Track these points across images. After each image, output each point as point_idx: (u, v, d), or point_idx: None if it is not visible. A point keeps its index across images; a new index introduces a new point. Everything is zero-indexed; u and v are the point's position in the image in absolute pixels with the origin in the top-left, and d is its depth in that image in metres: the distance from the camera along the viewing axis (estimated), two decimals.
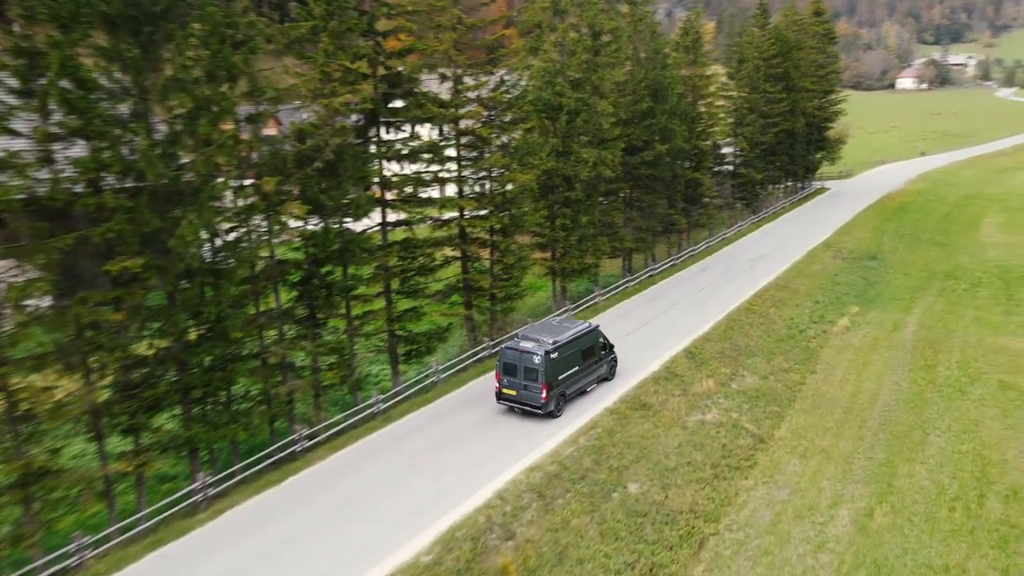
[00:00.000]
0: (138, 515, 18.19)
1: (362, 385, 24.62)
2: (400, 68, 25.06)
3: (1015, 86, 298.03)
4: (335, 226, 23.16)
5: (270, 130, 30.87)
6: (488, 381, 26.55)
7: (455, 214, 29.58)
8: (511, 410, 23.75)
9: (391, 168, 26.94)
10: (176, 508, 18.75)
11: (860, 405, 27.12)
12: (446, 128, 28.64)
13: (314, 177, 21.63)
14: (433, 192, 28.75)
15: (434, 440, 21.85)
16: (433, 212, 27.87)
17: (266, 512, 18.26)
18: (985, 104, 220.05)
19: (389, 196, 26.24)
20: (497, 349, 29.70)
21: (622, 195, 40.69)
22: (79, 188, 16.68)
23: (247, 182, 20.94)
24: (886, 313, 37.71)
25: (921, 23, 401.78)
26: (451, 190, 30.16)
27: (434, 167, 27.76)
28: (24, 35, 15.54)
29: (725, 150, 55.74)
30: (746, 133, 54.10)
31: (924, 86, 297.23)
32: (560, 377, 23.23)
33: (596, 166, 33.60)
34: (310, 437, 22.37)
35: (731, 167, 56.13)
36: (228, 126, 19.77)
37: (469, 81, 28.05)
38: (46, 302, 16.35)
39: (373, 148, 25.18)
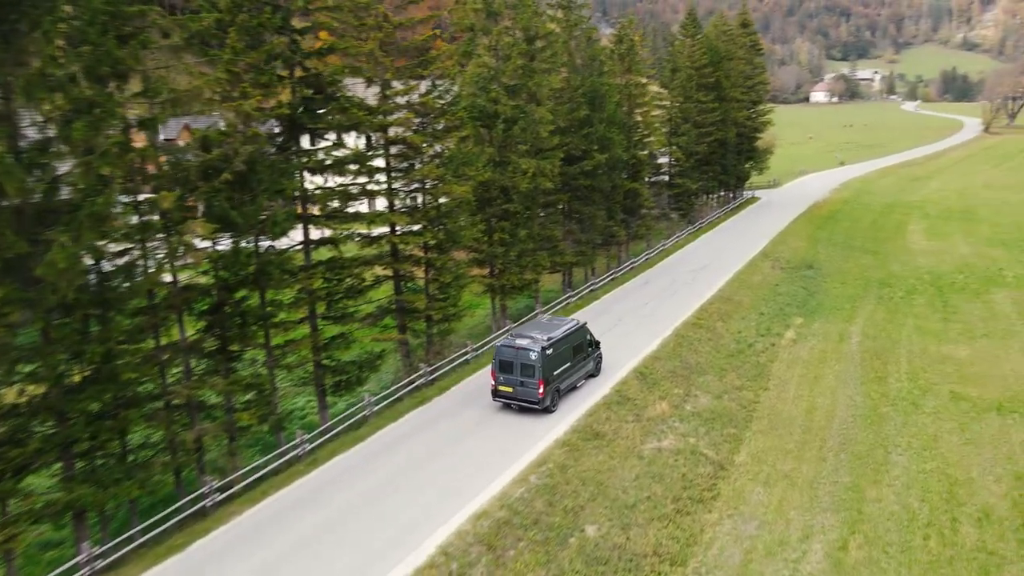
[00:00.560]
0: None
1: (284, 424, 21.82)
2: (321, 70, 22.56)
3: (917, 100, 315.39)
4: (249, 246, 20.49)
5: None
6: (426, 413, 24.23)
7: (386, 230, 27.19)
8: (508, 406, 24.09)
9: (314, 180, 24.37)
10: None
11: (817, 423, 25.98)
12: (374, 136, 26.29)
13: (222, 191, 18.90)
14: (361, 206, 26.33)
15: (368, 486, 19.32)
16: (362, 228, 25.41)
17: None
18: (892, 117, 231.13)
19: (313, 211, 23.64)
20: (435, 376, 27.47)
21: (561, 207, 39.02)
22: None
23: (144, 197, 18.10)
24: (830, 323, 37.17)
25: (829, 40, 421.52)
26: (381, 204, 27.77)
27: (362, 179, 25.34)
28: None
29: (661, 160, 55.01)
30: (681, 143, 53.53)
31: (835, 100, 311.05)
32: (555, 372, 23.78)
33: (535, 177, 31.76)
34: (223, 489, 19.48)
35: (667, 177, 55.44)
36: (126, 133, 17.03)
37: (398, 85, 25.76)
38: None
39: (293, 158, 22.51)
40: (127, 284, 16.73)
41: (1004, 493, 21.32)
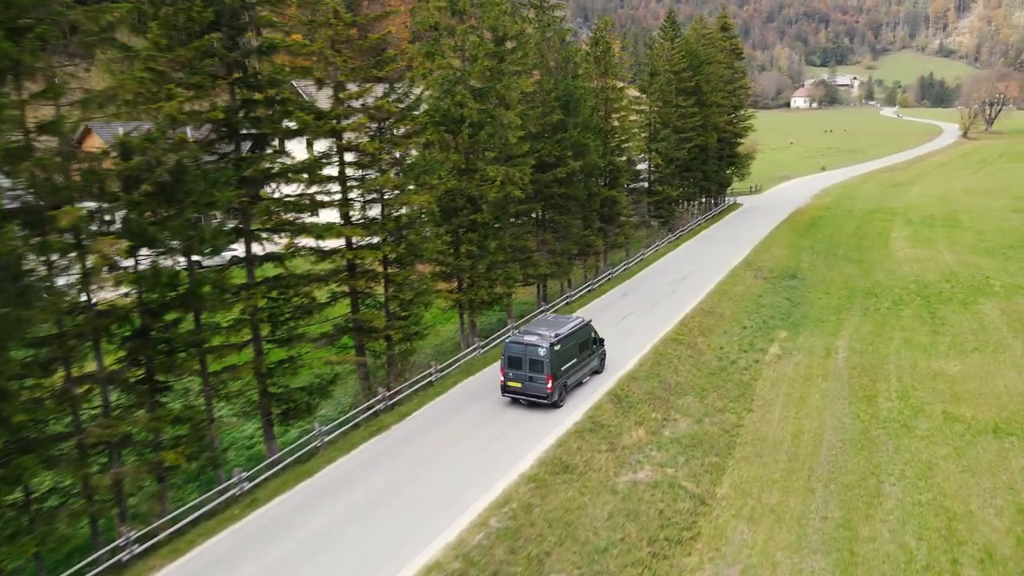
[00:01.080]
0: None
1: (219, 462, 19.67)
2: (264, 70, 20.53)
3: (896, 105, 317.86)
4: (178, 264, 18.41)
5: None
6: (382, 442, 22.21)
7: (342, 243, 25.17)
8: (516, 402, 24.63)
9: (262, 191, 22.30)
10: None
11: (804, 449, 24.24)
12: (327, 143, 24.26)
13: (144, 203, 16.81)
14: (314, 218, 24.30)
15: (307, 535, 17.26)
16: (312, 241, 23.36)
17: None
18: (872, 122, 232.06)
19: (256, 225, 21.56)
20: (395, 400, 25.49)
21: (534, 216, 37.15)
22: None
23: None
24: (815, 337, 35.56)
25: (809, 46, 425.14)
26: (337, 216, 25.74)
27: (314, 188, 23.31)
28: None
29: (640, 167, 53.35)
30: (660, 148, 51.90)
31: (815, 105, 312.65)
32: (563, 368, 24.40)
33: (504, 185, 29.87)
34: (146, 537, 17.32)
35: (646, 184, 53.79)
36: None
37: (352, 87, 23.77)
38: None
39: (229, 167, 20.41)
40: (22, 310, 14.56)
41: (1007, 529, 19.66)
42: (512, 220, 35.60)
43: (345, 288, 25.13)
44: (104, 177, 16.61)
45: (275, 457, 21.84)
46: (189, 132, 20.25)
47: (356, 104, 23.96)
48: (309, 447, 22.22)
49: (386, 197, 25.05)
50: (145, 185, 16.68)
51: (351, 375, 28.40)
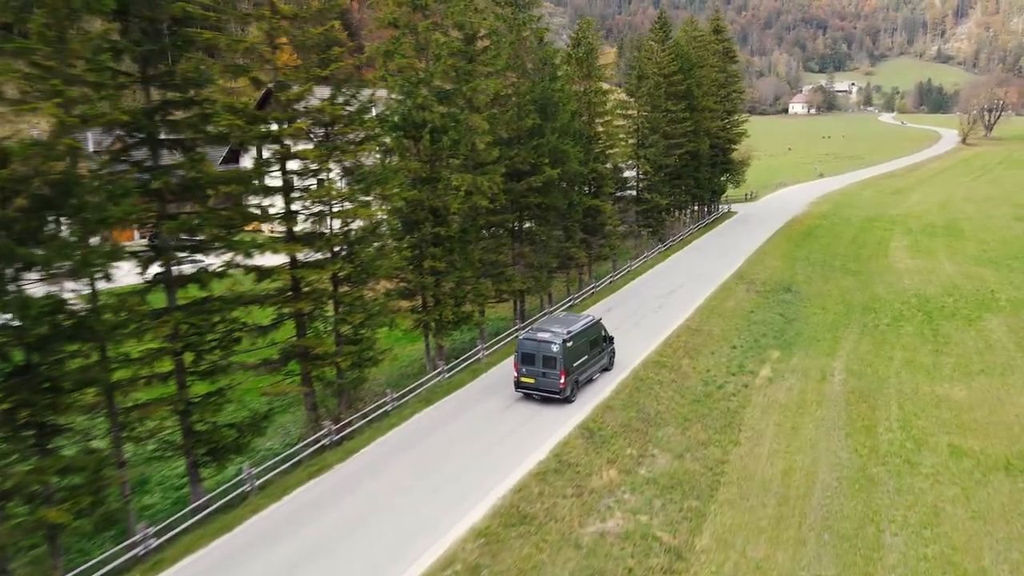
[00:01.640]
0: None
1: (115, 517, 17.16)
2: (182, 68, 18.12)
3: (894, 111, 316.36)
4: (73, 290, 15.97)
5: None
6: (321, 485, 19.73)
7: (284, 260, 22.78)
8: (528, 396, 25.21)
9: (183, 203, 19.90)
10: None
11: (796, 490, 21.76)
12: (267, 151, 21.85)
13: (16, 219, 14.38)
14: (253, 233, 21.88)
15: None
16: (258, 258, 20.93)
17: None
18: (870, 128, 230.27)
19: (173, 241, 19.12)
20: (344, 434, 23.04)
21: (509, 228, 34.72)
22: None
23: None
24: (809, 358, 33.11)
25: (807, 52, 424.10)
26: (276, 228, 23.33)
27: (260, 199, 20.97)
28: None
29: (627, 174, 50.99)
30: (649, 155, 49.54)
31: (813, 111, 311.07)
32: (575, 364, 25.03)
33: (471, 195, 27.47)
34: None
35: (634, 192, 51.41)
36: None
37: (294, 88, 21.37)
38: None
39: (133, 177, 17.96)
40: None
41: None
42: (484, 232, 33.27)
43: (290, 310, 22.73)
44: None
45: (200, 502, 19.40)
46: (91, 138, 17.82)
47: (299, 107, 21.59)
48: (240, 490, 19.74)
49: (333, 209, 22.61)
50: (20, 199, 14.28)
51: (295, 407, 25.96)
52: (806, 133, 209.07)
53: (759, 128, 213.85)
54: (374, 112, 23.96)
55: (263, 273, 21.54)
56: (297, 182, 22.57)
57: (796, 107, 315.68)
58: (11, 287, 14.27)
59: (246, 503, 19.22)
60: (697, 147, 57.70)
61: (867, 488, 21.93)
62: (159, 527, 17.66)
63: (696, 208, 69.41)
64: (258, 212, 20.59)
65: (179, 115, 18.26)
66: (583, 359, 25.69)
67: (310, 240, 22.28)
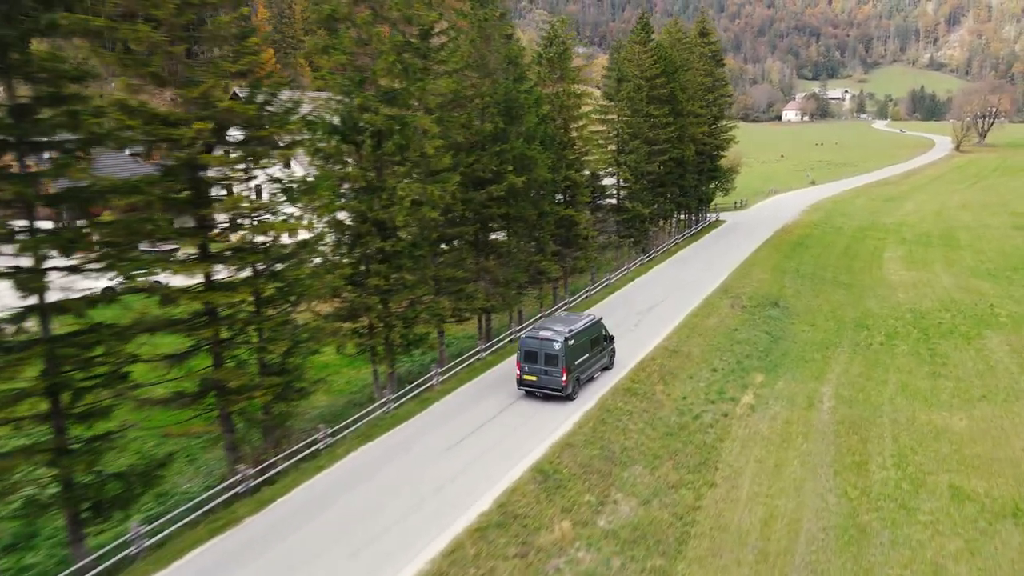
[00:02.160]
0: None
1: None
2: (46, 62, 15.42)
3: (887, 118, 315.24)
4: None
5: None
6: (226, 543, 16.91)
7: (197, 280, 20.05)
8: (530, 394, 25.53)
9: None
10: None
11: (777, 543, 19.05)
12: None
13: None
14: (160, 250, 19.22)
15: None
16: (146, 278, 18.22)
17: None
18: (864, 135, 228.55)
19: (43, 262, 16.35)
20: (264, 478, 20.26)
21: (471, 240, 32.02)
22: None
23: None
24: (796, 382, 30.46)
25: (800, 60, 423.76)
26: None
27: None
28: None
29: (607, 182, 48.42)
30: (629, 161, 46.94)
31: (807, 118, 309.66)
32: (576, 362, 25.39)
33: (419, 206, 24.78)
34: None
35: (615, 201, 48.79)
36: None
37: (201, 84, 18.65)
38: None
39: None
40: None
41: None
42: (443, 246, 30.63)
43: (203, 337, 19.97)
44: None
45: (81, 564, 16.60)
46: None
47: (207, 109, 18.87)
48: (125, 553, 16.94)
49: (252, 223, 19.91)
50: None
51: (213, 448, 23.18)
52: (799, 140, 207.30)
53: (752, 135, 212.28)
54: (312, 114, 21.30)
55: (168, 297, 18.83)
56: (216, 192, 19.95)
57: (789, 114, 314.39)
58: None
59: (131, 569, 16.41)
60: (682, 153, 55.18)
61: (858, 540, 19.23)
62: None
63: (683, 217, 66.90)
64: (156, 226, 17.77)
65: (47, 113, 15.54)
66: (584, 357, 26.15)
67: (223, 258, 19.54)
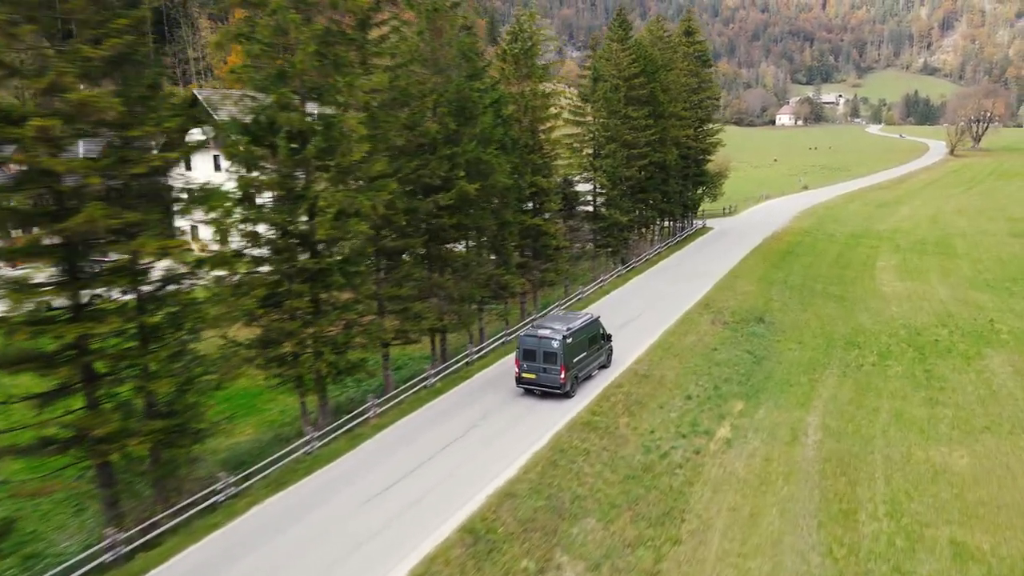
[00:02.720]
0: None
1: None
2: None
3: (881, 123, 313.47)
4: None
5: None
6: None
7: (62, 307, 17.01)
8: (529, 392, 25.52)
9: None
10: None
11: None
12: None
13: None
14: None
15: None
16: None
17: None
18: (858, 139, 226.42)
19: None
20: (143, 540, 17.17)
21: (420, 254, 29.01)
22: None
23: None
24: (779, 410, 27.48)
25: (794, 64, 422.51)
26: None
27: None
28: None
29: (583, 188, 45.51)
30: (605, 166, 44.02)
31: (800, 122, 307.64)
32: (574, 360, 25.54)
33: (345, 217, 21.74)
34: None
35: (591, 208, 45.86)
36: None
37: (47, 75, 15.58)
38: None
39: None
40: None
41: None
42: (388, 261, 27.65)
43: (68, 375, 16.92)
44: None
45: None
46: None
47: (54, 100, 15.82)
48: None
49: (118, 241, 16.86)
50: None
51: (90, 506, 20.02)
52: (793, 144, 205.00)
53: (745, 139, 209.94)
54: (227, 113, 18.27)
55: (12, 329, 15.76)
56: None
57: (783, 118, 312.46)
58: None
59: None
60: (664, 158, 52.27)
61: None
62: None
63: (667, 224, 64.02)
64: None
65: None
66: (582, 355, 26.38)
67: (88, 281, 16.49)
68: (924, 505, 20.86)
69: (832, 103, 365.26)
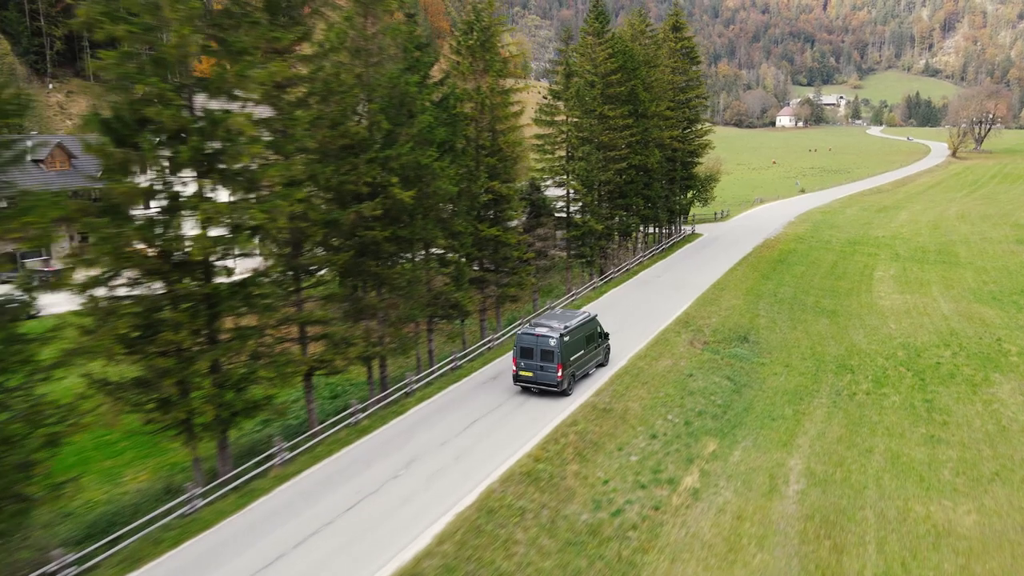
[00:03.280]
0: None
1: None
2: None
3: (882, 124, 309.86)
4: None
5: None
6: None
7: None
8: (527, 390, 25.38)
9: None
10: None
11: None
12: None
13: None
14: None
15: None
16: None
17: None
18: (858, 141, 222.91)
19: None
20: None
21: (342, 271, 25.51)
22: None
23: None
24: (758, 451, 23.96)
25: (795, 65, 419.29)
26: None
27: None
28: None
29: (555, 192, 42.05)
30: (578, 169, 40.53)
31: (801, 124, 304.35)
32: (571, 358, 25.66)
33: (236, 232, 18.26)
34: None
35: (565, 215, 42.38)
36: None
37: None
38: None
39: None
40: None
41: None
42: (309, 279, 24.16)
43: None
44: None
45: None
46: None
47: None
48: None
49: None
50: None
51: None
52: (793, 146, 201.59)
53: (745, 141, 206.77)
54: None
55: None
56: None
57: (783, 120, 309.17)
58: None
59: None
60: (646, 160, 48.75)
61: None
62: None
63: (652, 231, 60.50)
64: None
65: None
66: (580, 353, 26.35)
67: None
68: None
69: (833, 105, 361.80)
